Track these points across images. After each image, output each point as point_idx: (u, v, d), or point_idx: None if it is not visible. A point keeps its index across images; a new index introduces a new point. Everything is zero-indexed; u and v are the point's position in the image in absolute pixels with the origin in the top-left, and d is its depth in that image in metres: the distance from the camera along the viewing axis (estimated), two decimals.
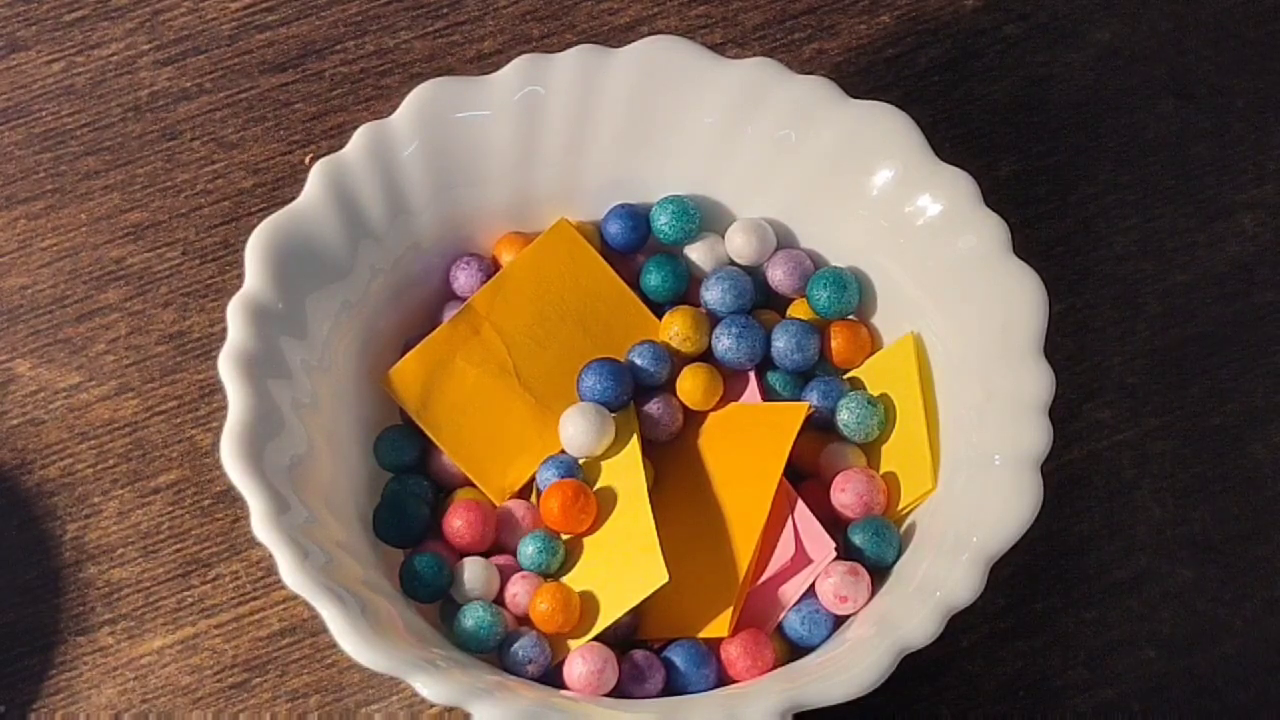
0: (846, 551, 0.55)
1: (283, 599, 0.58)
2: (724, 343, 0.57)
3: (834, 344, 0.58)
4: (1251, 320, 0.62)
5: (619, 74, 0.57)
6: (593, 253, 0.58)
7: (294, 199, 0.56)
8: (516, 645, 0.54)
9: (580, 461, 0.56)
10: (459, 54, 0.66)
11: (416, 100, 0.57)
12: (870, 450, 0.57)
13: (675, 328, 0.57)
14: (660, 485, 0.56)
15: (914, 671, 0.52)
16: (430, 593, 0.55)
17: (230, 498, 0.59)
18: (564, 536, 0.56)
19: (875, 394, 0.56)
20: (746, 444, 0.56)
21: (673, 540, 0.54)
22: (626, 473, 0.55)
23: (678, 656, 0.54)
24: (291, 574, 0.50)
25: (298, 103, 0.65)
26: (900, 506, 0.55)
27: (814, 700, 0.50)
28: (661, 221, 0.58)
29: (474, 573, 0.55)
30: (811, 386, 0.57)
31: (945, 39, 0.66)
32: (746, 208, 0.59)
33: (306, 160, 0.64)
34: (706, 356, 0.58)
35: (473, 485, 0.57)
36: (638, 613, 0.55)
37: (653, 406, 0.57)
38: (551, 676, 0.54)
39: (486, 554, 0.56)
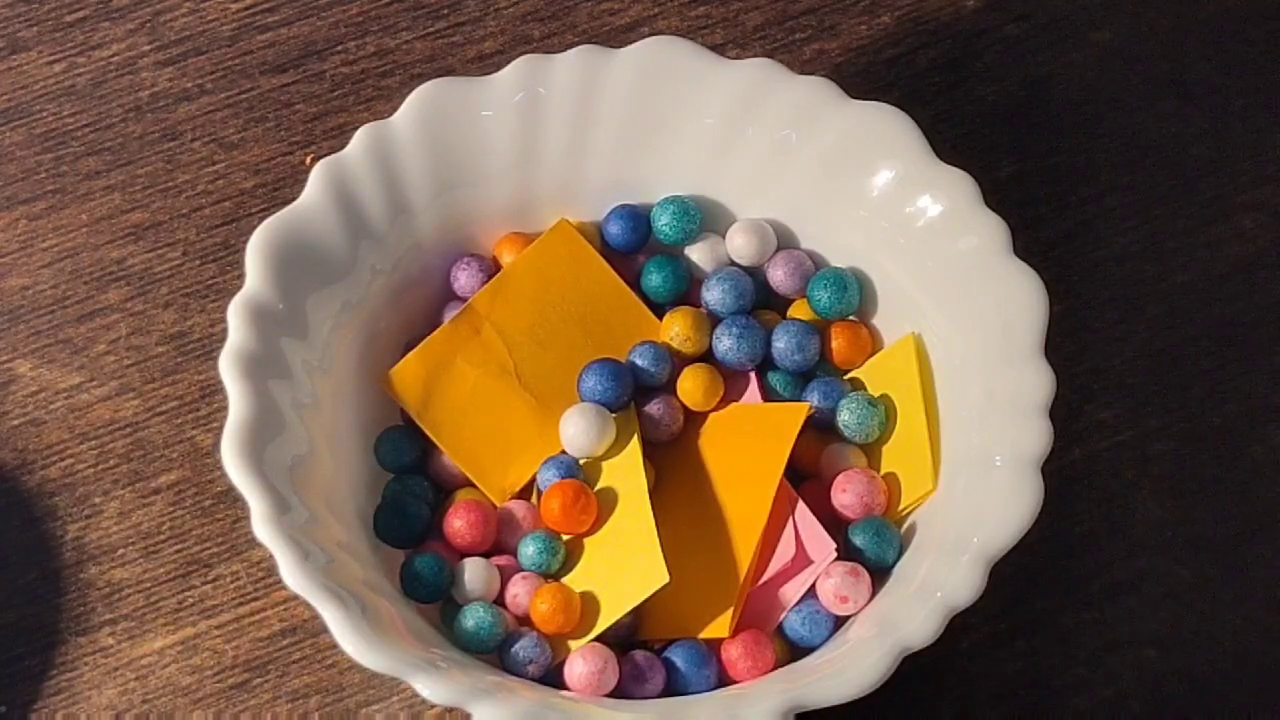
0: (847, 552, 0.55)
1: (283, 599, 0.59)
2: (725, 343, 0.57)
3: (834, 345, 0.58)
4: (1251, 321, 0.62)
5: (620, 74, 0.58)
6: (593, 253, 0.58)
7: (295, 199, 0.56)
8: (517, 646, 0.54)
9: (581, 462, 0.56)
10: (460, 54, 0.66)
11: (417, 101, 0.57)
12: (871, 451, 0.57)
13: (676, 328, 0.58)
14: (661, 486, 0.56)
15: (914, 671, 0.52)
16: (431, 593, 0.55)
17: (231, 498, 0.59)
18: (564, 537, 0.56)
19: (876, 394, 0.57)
20: (747, 444, 0.56)
21: (673, 541, 0.54)
22: (627, 473, 0.56)
23: (678, 657, 0.54)
24: (292, 574, 0.51)
25: (299, 103, 0.65)
26: (901, 507, 0.55)
27: (815, 701, 0.50)
28: (662, 222, 0.58)
29: (474, 573, 0.55)
30: (812, 387, 0.57)
31: (945, 39, 0.66)
32: (747, 208, 0.59)
33: (307, 161, 0.64)
34: (707, 357, 0.58)
35: (473, 485, 0.57)
36: (638, 613, 0.55)
37: (653, 407, 0.57)
38: (552, 677, 0.54)
39: (487, 554, 0.56)
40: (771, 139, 0.58)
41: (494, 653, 0.54)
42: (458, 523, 0.56)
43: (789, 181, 0.58)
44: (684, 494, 0.56)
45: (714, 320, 0.58)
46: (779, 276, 0.58)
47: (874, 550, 0.54)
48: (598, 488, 0.56)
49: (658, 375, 0.57)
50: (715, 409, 0.57)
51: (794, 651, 0.55)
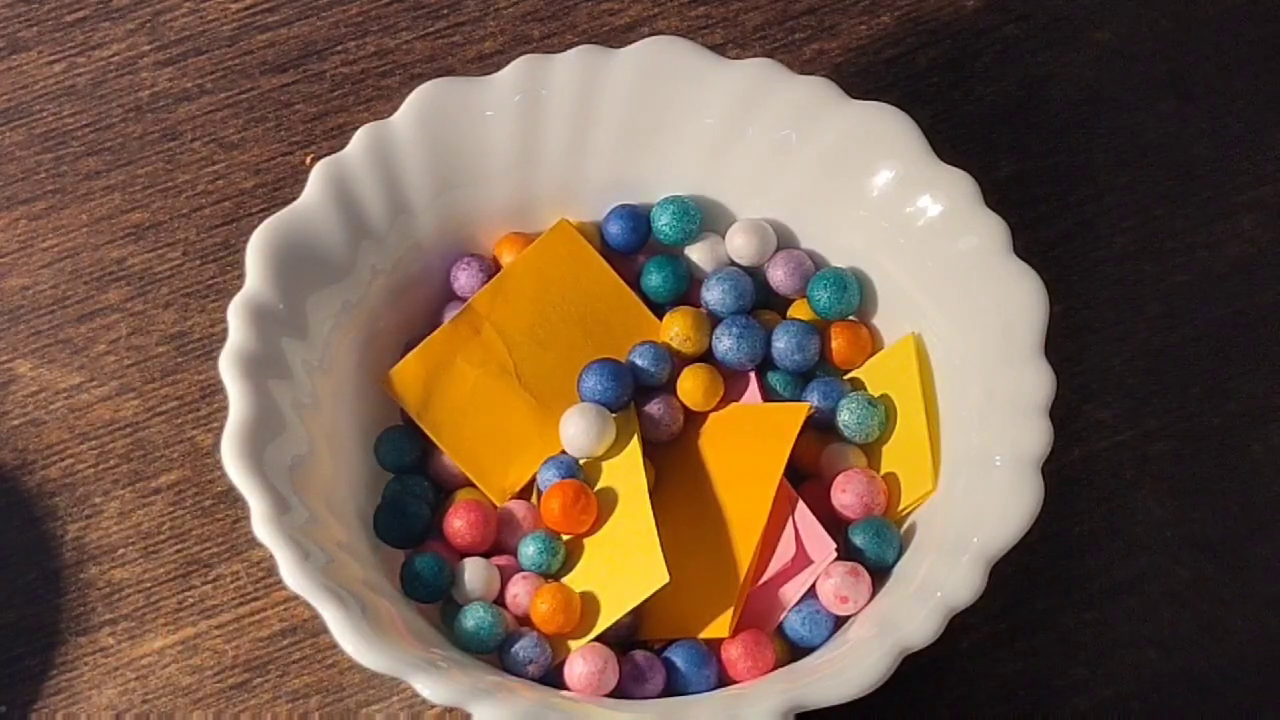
0: (847, 552, 0.55)
1: (283, 599, 0.59)
2: (724, 343, 0.57)
3: (834, 344, 0.58)
4: (1251, 320, 0.62)
5: (620, 74, 0.58)
6: (593, 253, 0.58)
7: (295, 199, 0.56)
8: (517, 646, 0.54)
9: (581, 462, 0.56)
10: (460, 54, 0.66)
11: (417, 101, 0.57)
12: (871, 451, 0.57)
13: (676, 328, 0.58)
14: (661, 486, 0.56)
15: (914, 671, 0.52)
16: (431, 593, 0.55)
17: (231, 498, 0.59)
18: (565, 537, 0.56)
19: (876, 394, 0.57)
20: (747, 444, 0.56)
21: (673, 541, 0.54)
22: (627, 473, 0.56)
23: (678, 657, 0.54)
24: (292, 574, 0.51)
25: (298, 103, 0.65)
26: (901, 507, 0.55)
27: (815, 701, 0.50)
28: (662, 222, 0.58)
29: (474, 573, 0.55)
30: (812, 387, 0.57)
31: (945, 39, 0.66)
32: (747, 208, 0.59)
33: (307, 161, 0.64)
34: (707, 357, 0.58)
35: (473, 485, 0.57)
36: (638, 613, 0.55)
37: (653, 407, 0.57)
38: (552, 677, 0.54)
39: (487, 554, 0.56)
40: (771, 139, 0.58)
41: (494, 653, 0.54)
42: (458, 523, 0.56)
43: (789, 181, 0.58)
44: (684, 494, 0.56)
45: (714, 320, 0.58)
46: (779, 276, 0.58)
47: (874, 550, 0.54)
48: (598, 488, 0.56)
49: (658, 375, 0.57)
50: (715, 409, 0.57)
51: (794, 651, 0.55)
